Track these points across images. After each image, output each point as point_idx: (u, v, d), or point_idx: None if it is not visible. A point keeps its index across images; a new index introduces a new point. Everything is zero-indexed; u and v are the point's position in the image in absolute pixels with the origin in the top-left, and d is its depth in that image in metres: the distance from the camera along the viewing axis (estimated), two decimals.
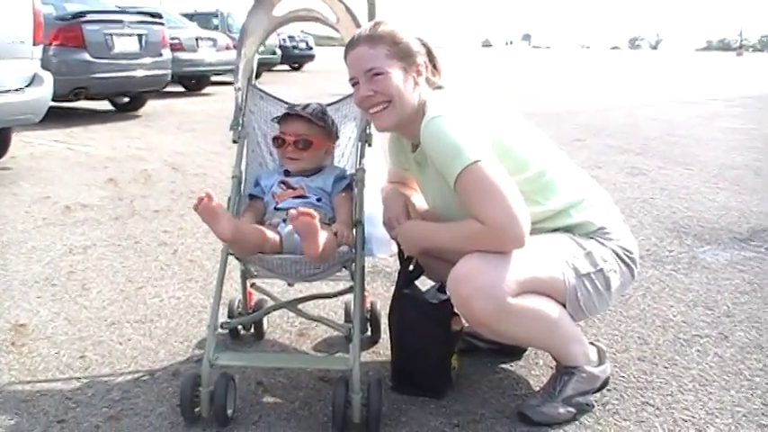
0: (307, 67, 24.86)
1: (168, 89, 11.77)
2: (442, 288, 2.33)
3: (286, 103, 2.72)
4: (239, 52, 2.58)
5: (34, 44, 5.93)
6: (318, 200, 2.41)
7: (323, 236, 2.04)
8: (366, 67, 2.15)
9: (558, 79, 22.81)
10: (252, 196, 2.53)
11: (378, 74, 2.14)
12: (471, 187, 1.99)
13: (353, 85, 2.23)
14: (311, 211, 1.98)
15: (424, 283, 2.44)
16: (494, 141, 2.08)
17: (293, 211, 1.99)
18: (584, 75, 26.26)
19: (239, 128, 2.59)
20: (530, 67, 33.77)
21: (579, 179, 2.32)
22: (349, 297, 2.53)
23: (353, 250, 2.31)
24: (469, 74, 24.68)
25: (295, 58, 23.79)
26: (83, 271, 3.60)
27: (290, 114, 2.50)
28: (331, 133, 2.56)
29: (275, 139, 2.53)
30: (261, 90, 2.75)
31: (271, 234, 2.24)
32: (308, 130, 2.46)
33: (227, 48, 14.68)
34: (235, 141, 2.58)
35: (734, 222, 4.56)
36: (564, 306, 2.16)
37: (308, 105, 2.54)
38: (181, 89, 14.63)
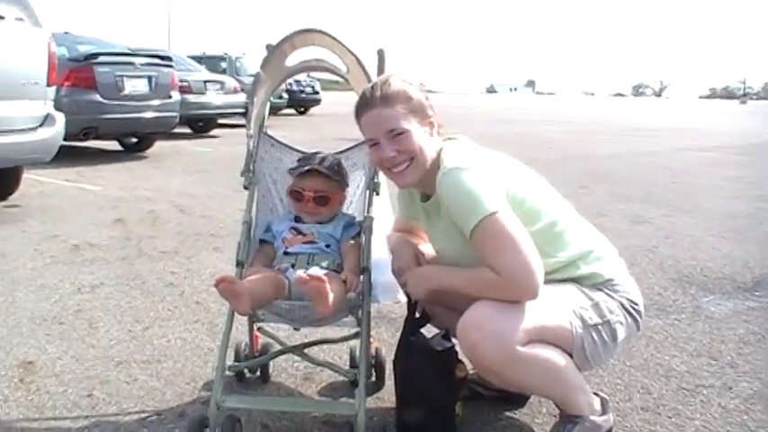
0: (313, 110, 24.86)
1: (176, 130, 11.89)
2: (446, 335, 2.36)
3: (297, 150, 2.77)
4: (251, 100, 2.63)
5: (48, 85, 6.03)
6: (327, 246, 2.45)
7: (333, 293, 2.07)
8: (387, 127, 2.17)
9: (562, 125, 22.94)
10: (262, 241, 2.57)
11: (400, 133, 2.17)
12: (488, 238, 2.03)
13: (372, 146, 2.25)
14: (321, 275, 2.03)
15: (429, 331, 2.46)
16: (507, 193, 2.12)
17: (304, 276, 2.04)
18: (589, 121, 26.41)
19: (250, 174, 2.64)
20: (534, 113, 33.97)
21: (587, 231, 2.36)
22: (354, 342, 2.56)
23: (360, 297, 2.34)
24: (474, 119, 24.82)
25: (301, 102, 23.78)
26: (90, 310, 3.63)
27: (309, 170, 2.53)
28: (344, 184, 2.62)
29: (293, 192, 2.56)
30: (272, 137, 2.81)
31: (279, 281, 2.28)
32: (325, 186, 2.52)
33: (235, 91, 14.91)
34: (246, 187, 2.63)
35: (738, 272, 4.58)
36: (570, 356, 2.18)
37: (324, 158, 2.57)
38: (188, 131, 14.79)
